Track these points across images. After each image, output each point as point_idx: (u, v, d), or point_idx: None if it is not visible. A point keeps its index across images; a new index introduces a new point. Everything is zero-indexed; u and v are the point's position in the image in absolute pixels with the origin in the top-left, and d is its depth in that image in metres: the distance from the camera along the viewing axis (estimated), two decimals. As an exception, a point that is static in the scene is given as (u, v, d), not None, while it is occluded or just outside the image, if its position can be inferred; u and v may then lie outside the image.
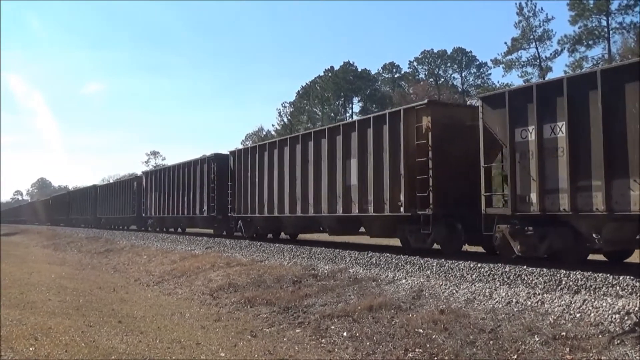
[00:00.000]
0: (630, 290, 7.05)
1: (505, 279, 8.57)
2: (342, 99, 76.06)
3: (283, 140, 17.60)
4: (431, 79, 72.66)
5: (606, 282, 7.49)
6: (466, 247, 14.57)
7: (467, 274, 9.29)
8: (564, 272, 8.31)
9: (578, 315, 6.76)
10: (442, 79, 72.52)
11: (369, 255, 12.31)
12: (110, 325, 8.57)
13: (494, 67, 61.58)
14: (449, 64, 73.48)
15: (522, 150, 9.81)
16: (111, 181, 53.43)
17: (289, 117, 77.50)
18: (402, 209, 12.11)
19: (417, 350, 6.67)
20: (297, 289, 10.49)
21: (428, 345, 6.71)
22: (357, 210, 13.48)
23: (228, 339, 7.84)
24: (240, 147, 26.26)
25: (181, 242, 21.39)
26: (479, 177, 10.71)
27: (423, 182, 11.63)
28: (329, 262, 12.44)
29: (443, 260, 10.69)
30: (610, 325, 6.29)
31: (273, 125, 79.20)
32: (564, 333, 6.32)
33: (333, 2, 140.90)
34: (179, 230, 27.94)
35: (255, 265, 13.69)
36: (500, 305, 7.64)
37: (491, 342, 6.53)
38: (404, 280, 9.73)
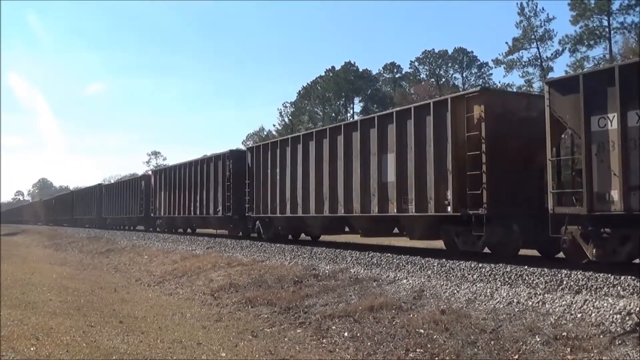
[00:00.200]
0: (631, 290, 7.04)
1: (507, 279, 8.56)
2: (343, 99, 76.05)
3: (308, 134, 16.39)
4: (432, 79, 72.64)
5: (607, 282, 7.48)
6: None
7: (468, 274, 9.28)
8: (565, 272, 8.31)
9: (579, 315, 6.75)
10: (444, 79, 72.46)
11: (370, 255, 12.31)
12: (111, 326, 8.57)
13: (495, 67, 61.58)
14: (450, 64, 73.42)
15: (600, 140, 8.62)
16: (112, 181, 52.91)
17: (290, 117, 77.55)
18: (449, 208, 11.04)
19: (418, 350, 6.67)
20: (298, 289, 10.49)
21: (429, 346, 6.71)
22: (394, 210, 12.33)
23: (229, 339, 7.84)
24: (259, 142, 23.96)
25: (182, 242, 21.40)
26: (536, 172, 10.12)
27: (475, 179, 10.57)
28: (330, 262, 12.43)
29: (444, 260, 10.68)
30: (612, 325, 6.28)
31: (274, 125, 79.33)
32: (565, 333, 6.32)
33: (334, 2, 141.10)
34: (189, 230, 27.11)
35: (256, 265, 13.69)
36: (502, 306, 7.63)
37: (492, 342, 6.53)
38: (405, 281, 9.73)
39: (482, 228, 10.53)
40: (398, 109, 13.53)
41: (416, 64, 74.49)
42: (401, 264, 10.91)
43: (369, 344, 7.19)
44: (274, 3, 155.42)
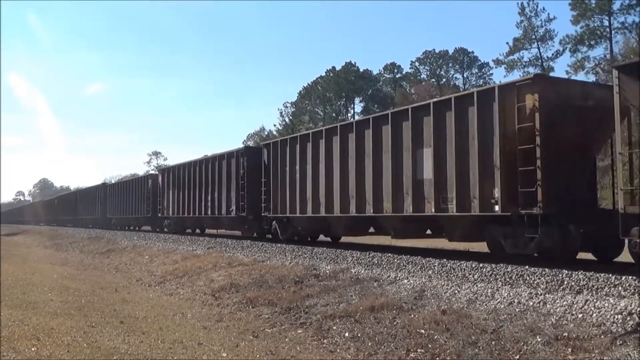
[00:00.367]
0: (632, 290, 7.03)
1: (507, 279, 8.55)
2: (344, 99, 76.14)
3: (332, 128, 15.30)
4: (433, 79, 72.70)
5: (608, 282, 7.47)
6: (466, 248, 14.55)
7: (469, 274, 9.28)
8: (566, 272, 8.29)
9: (580, 315, 6.74)
10: (444, 79, 72.53)
11: (371, 255, 12.30)
12: (112, 326, 8.57)
13: (496, 67, 61.69)
14: (450, 64, 73.51)
15: None
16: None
17: (291, 117, 77.60)
18: (496, 208, 10.12)
19: (419, 350, 6.67)
20: (298, 289, 10.48)
21: (430, 346, 6.70)
22: (432, 209, 11.43)
23: (230, 339, 7.84)
24: (277, 138, 22.31)
25: (183, 243, 21.40)
26: (588, 166, 9.56)
27: (528, 175, 9.62)
28: (330, 262, 12.43)
29: (445, 260, 10.67)
30: (613, 325, 6.27)
31: (275, 125, 79.43)
32: (566, 333, 6.31)
33: (335, 2, 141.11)
34: (197, 230, 26.49)
35: (257, 265, 13.69)
36: (502, 306, 7.63)
37: (493, 342, 6.52)
38: (405, 281, 9.72)
39: (536, 229, 9.59)
40: (436, 99, 12.54)
41: (417, 64, 74.62)
42: (402, 264, 10.90)
43: (369, 344, 7.18)
44: (274, 3, 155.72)
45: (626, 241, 9.25)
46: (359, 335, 7.56)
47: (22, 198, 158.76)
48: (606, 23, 47.98)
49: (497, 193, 10.15)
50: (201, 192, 23.11)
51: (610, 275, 7.76)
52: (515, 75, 53.96)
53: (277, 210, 17.36)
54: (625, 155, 8.49)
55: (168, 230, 28.03)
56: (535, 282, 8.15)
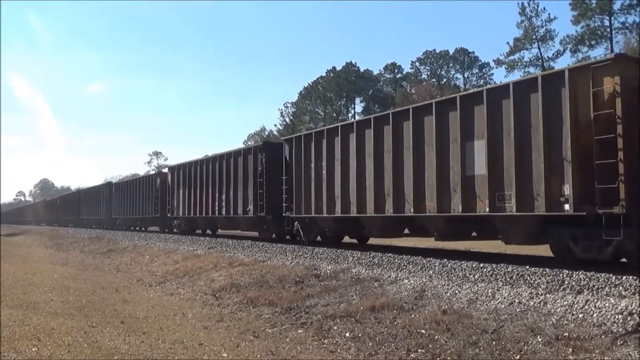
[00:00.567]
0: (633, 290, 7.03)
1: (508, 279, 8.55)
2: (345, 99, 76.19)
3: (364, 121, 14.16)
4: (433, 79, 72.73)
5: (609, 282, 7.47)
6: (467, 248, 14.55)
7: (470, 274, 9.27)
8: (567, 272, 8.29)
9: (581, 315, 6.74)
10: (445, 80, 72.55)
11: (372, 255, 12.30)
12: (112, 326, 8.58)
13: (497, 67, 61.81)
14: (451, 64, 73.55)
15: None
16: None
17: (291, 118, 77.64)
18: (567, 207, 8.97)
19: (419, 350, 6.67)
20: (299, 289, 10.48)
21: (430, 346, 6.70)
22: (486, 209, 10.32)
23: (230, 339, 7.84)
24: (301, 132, 19.86)
25: (183, 243, 21.41)
26: None
27: (607, 169, 8.47)
28: (331, 262, 12.43)
29: (445, 260, 10.66)
30: (613, 325, 6.27)
31: (275, 126, 79.47)
32: (566, 333, 6.31)
33: (335, 2, 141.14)
34: (208, 231, 25.32)
35: (258, 265, 13.69)
36: (503, 306, 7.63)
37: (494, 342, 6.52)
38: (406, 281, 9.72)
39: (617, 231, 8.39)
40: (489, 86, 11.41)
41: (417, 64, 74.68)
42: (402, 264, 10.90)
43: (370, 344, 7.18)
44: (274, 3, 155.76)
45: None
46: (360, 335, 7.56)
47: (22, 198, 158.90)
48: (607, 23, 48.06)
49: (567, 190, 9.02)
50: (215, 191, 21.93)
51: (611, 275, 7.76)
52: (516, 76, 53.97)
53: (300, 210, 16.20)
54: None
55: (178, 231, 26.90)
56: (536, 282, 8.14)
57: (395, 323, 7.72)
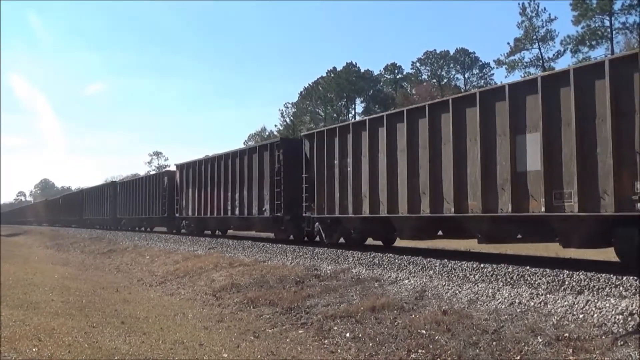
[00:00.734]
0: (633, 290, 7.03)
1: (508, 280, 8.55)
2: (345, 100, 76.24)
3: (395, 114, 13.17)
4: (434, 80, 72.76)
5: (609, 283, 7.46)
6: (467, 248, 14.55)
7: (470, 275, 9.27)
8: (567, 272, 8.29)
9: (581, 316, 6.74)
10: (445, 80, 72.58)
11: (372, 255, 12.30)
12: (113, 326, 8.58)
13: (497, 67, 61.97)
14: (451, 65, 73.58)
15: None
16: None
17: (292, 118, 77.69)
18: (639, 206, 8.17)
19: (420, 351, 6.66)
20: (299, 290, 10.48)
21: (431, 346, 6.70)
22: (541, 208, 9.38)
23: (231, 339, 7.84)
24: (322, 127, 19.06)
25: (184, 243, 21.41)
26: None
27: None
28: (331, 262, 12.43)
29: (446, 260, 10.66)
30: (614, 326, 6.26)
31: (276, 126, 79.52)
32: (567, 334, 6.31)
33: (336, 2, 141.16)
34: (218, 232, 24.55)
35: (258, 265, 13.70)
36: (503, 306, 7.62)
37: (494, 343, 6.52)
38: (406, 281, 9.72)
39: None
40: (545, 73, 10.41)
41: (418, 64, 74.71)
42: (403, 264, 10.90)
43: (370, 344, 7.18)
44: (274, 3, 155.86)
45: None
46: (360, 335, 7.56)
47: (23, 199, 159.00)
48: (607, 23, 48.10)
49: None
50: (227, 190, 20.92)
51: (611, 275, 7.76)
52: (517, 76, 53.97)
53: (322, 210, 15.22)
54: None
55: (186, 232, 25.93)
56: (537, 282, 8.14)
57: (395, 323, 7.72)
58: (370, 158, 13.44)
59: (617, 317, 6.40)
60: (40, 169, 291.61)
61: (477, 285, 8.59)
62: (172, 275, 15.08)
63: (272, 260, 14.15)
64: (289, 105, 79.23)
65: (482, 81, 69.55)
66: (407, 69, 76.75)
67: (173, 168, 28.77)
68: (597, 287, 7.39)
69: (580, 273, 8.14)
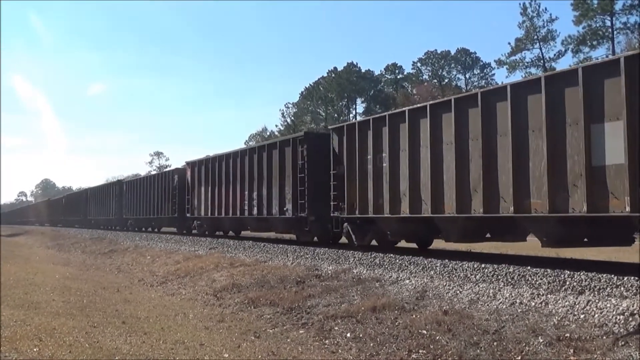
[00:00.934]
0: (634, 291, 7.02)
1: (509, 280, 8.54)
2: (346, 100, 76.24)
3: (439, 104, 11.88)
4: (435, 80, 72.75)
5: (610, 283, 7.46)
6: (468, 248, 14.52)
7: (471, 275, 9.27)
8: (568, 272, 8.28)
9: (582, 316, 6.73)
10: (446, 80, 72.56)
11: (373, 255, 12.29)
12: (114, 326, 8.58)
13: (498, 67, 61.89)
14: (452, 65, 73.56)
15: None
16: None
17: (292, 118, 77.69)
18: None
19: (420, 351, 6.66)
20: (300, 290, 10.48)
21: (432, 347, 6.70)
22: (626, 208, 8.05)
23: (232, 339, 7.85)
24: (352, 119, 17.37)
25: (185, 243, 21.42)
26: None
27: None
28: (332, 262, 12.43)
29: (447, 260, 10.65)
30: (615, 326, 6.26)
31: (276, 126, 79.49)
32: (568, 334, 6.30)
33: (336, 2, 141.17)
34: (230, 233, 23.41)
35: (259, 265, 13.70)
36: (504, 306, 7.62)
37: (495, 343, 6.52)
38: (407, 281, 9.72)
39: None
40: (627, 53, 8.66)
41: (419, 64, 74.68)
42: (404, 265, 10.89)
43: (371, 344, 7.18)
44: (274, 3, 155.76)
45: None
46: (361, 335, 7.56)
47: (24, 199, 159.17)
48: (608, 23, 48.05)
49: None
50: (243, 188, 19.47)
51: (612, 275, 7.75)
52: (518, 76, 53.91)
53: (353, 210, 13.93)
54: None
55: (198, 233, 24.47)
56: (537, 282, 8.13)
57: (396, 323, 7.72)
58: (410, 152, 12.13)
59: (618, 317, 6.40)
60: (41, 169, 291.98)
61: (478, 286, 8.58)
62: (173, 275, 15.09)
63: (273, 260, 14.15)
64: (290, 106, 79.35)
65: (483, 81, 69.56)
66: (408, 69, 76.84)
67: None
68: (598, 287, 7.38)
69: (581, 273, 8.12)
